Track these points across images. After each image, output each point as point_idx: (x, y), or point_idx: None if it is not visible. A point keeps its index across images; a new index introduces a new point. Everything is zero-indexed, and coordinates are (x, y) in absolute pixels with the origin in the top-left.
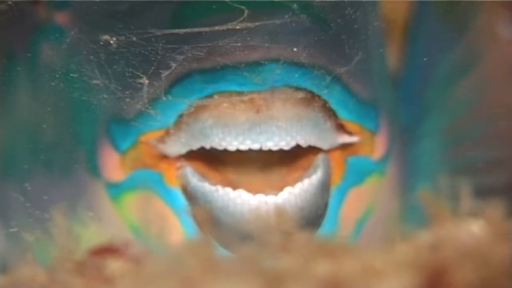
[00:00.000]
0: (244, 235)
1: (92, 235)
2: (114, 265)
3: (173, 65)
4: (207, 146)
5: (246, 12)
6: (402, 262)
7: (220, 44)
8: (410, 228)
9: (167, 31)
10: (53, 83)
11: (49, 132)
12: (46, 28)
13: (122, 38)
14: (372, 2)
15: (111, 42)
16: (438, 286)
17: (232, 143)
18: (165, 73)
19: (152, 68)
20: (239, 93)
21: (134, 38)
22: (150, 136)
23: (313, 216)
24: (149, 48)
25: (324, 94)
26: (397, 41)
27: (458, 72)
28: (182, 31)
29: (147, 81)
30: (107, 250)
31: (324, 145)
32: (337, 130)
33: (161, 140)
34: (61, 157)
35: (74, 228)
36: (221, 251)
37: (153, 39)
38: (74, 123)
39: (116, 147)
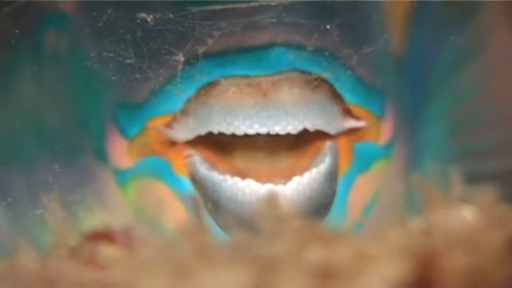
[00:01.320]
0: (252, 225)
1: (99, 221)
2: (108, 251)
3: (210, 41)
4: (215, 131)
5: None
6: (393, 248)
7: (256, 20)
8: (416, 213)
9: (204, 8)
10: (58, 70)
11: (57, 119)
12: (51, 16)
13: (159, 15)
14: None
15: (148, 19)
16: (429, 272)
17: (240, 128)
18: (201, 50)
19: (189, 44)
20: (246, 78)
21: (171, 15)
22: (158, 122)
23: (321, 205)
24: (186, 24)
25: (331, 78)
26: (400, 27)
27: (463, 58)
28: (218, 7)
29: (183, 59)
30: (101, 236)
31: (331, 130)
32: (344, 115)
33: (169, 125)
34: (70, 144)
35: (82, 214)
36: (219, 237)
37: (189, 15)
38: (82, 109)
39: (124, 134)
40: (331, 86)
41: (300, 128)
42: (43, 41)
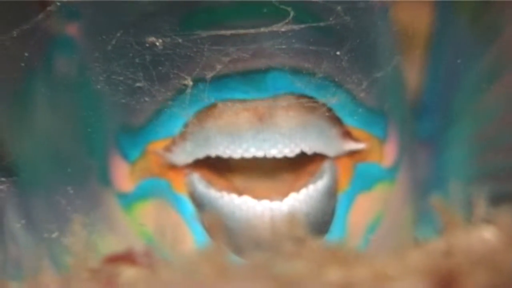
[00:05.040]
0: (250, 241)
1: (106, 245)
2: (128, 273)
3: (218, 66)
4: (212, 155)
5: (291, 14)
6: (413, 269)
7: (264, 46)
8: (427, 235)
9: (213, 33)
10: (68, 94)
11: (67, 143)
12: (59, 41)
13: (168, 39)
14: (384, 10)
15: (157, 44)
16: None
17: (237, 151)
18: (210, 75)
19: (197, 69)
20: (243, 101)
21: (180, 40)
22: (157, 146)
23: (319, 222)
24: (195, 49)
25: (329, 101)
26: (418, 51)
27: (485, 80)
28: (227, 32)
29: (191, 83)
30: (121, 258)
31: (330, 152)
32: (343, 137)
33: (168, 149)
34: (80, 167)
35: (90, 237)
36: (232, 257)
37: (198, 40)
38: (88, 133)
39: (126, 157)
40: (329, 109)
41: (297, 151)
42: (53, 65)
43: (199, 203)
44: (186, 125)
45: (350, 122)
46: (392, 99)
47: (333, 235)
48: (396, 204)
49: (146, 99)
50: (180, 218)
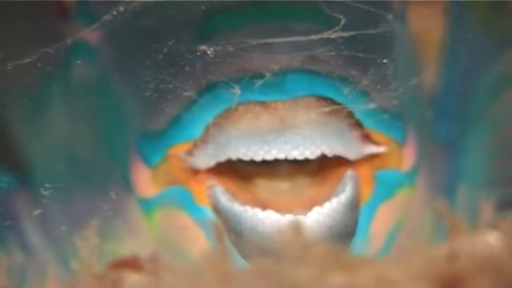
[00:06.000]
0: (274, 255)
1: (127, 250)
2: (133, 279)
3: (268, 75)
4: (233, 157)
5: (342, 21)
6: (417, 274)
7: (315, 53)
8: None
9: (263, 41)
10: (88, 100)
11: (87, 149)
12: (79, 46)
13: (219, 48)
14: (401, 16)
15: (208, 52)
16: None
17: (258, 153)
18: (259, 83)
19: (246, 78)
20: (263, 103)
21: (231, 48)
22: (179, 149)
23: (342, 235)
24: (245, 57)
25: (350, 104)
26: (432, 55)
27: (502, 83)
28: (278, 40)
29: (239, 92)
30: (127, 264)
31: (350, 155)
32: (363, 140)
33: (189, 153)
34: (99, 174)
35: (111, 243)
36: (241, 264)
37: (249, 48)
38: (109, 139)
39: (147, 162)
40: (349, 111)
41: (317, 153)
42: (73, 71)
43: (222, 217)
44: (207, 128)
45: (370, 125)
46: (411, 102)
47: (355, 246)
48: (416, 209)
49: (169, 104)
50: (199, 229)
